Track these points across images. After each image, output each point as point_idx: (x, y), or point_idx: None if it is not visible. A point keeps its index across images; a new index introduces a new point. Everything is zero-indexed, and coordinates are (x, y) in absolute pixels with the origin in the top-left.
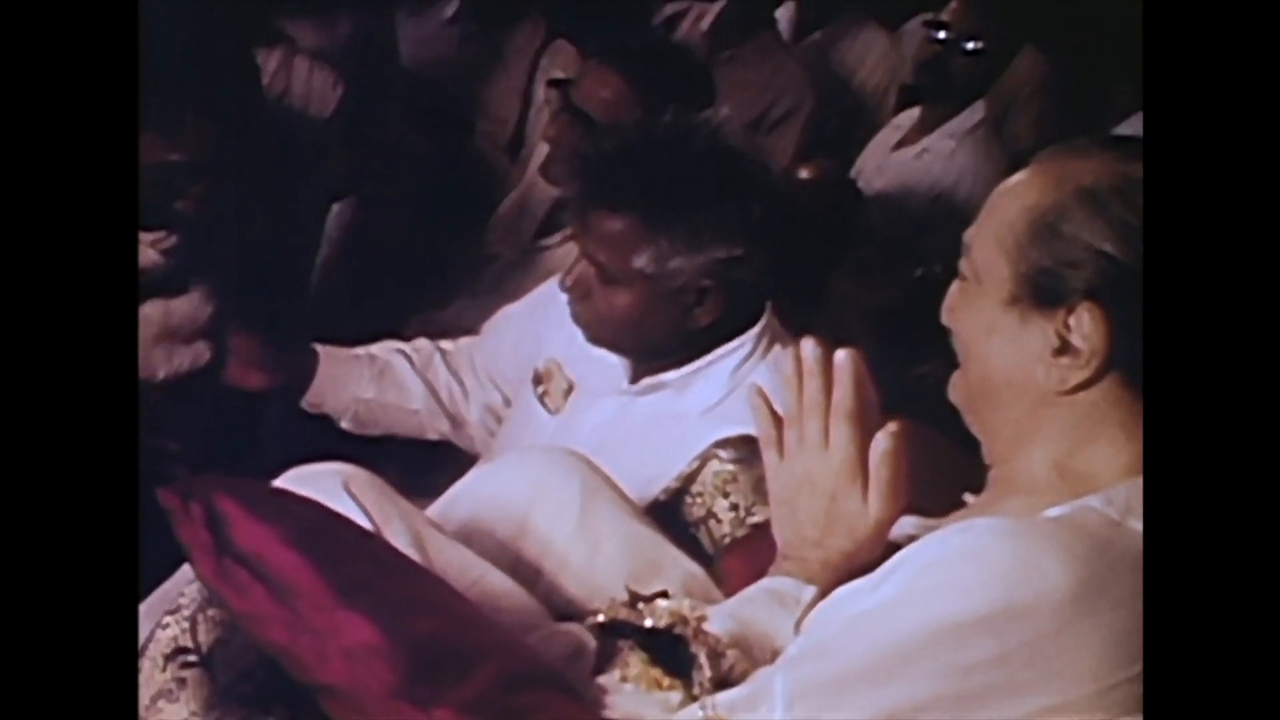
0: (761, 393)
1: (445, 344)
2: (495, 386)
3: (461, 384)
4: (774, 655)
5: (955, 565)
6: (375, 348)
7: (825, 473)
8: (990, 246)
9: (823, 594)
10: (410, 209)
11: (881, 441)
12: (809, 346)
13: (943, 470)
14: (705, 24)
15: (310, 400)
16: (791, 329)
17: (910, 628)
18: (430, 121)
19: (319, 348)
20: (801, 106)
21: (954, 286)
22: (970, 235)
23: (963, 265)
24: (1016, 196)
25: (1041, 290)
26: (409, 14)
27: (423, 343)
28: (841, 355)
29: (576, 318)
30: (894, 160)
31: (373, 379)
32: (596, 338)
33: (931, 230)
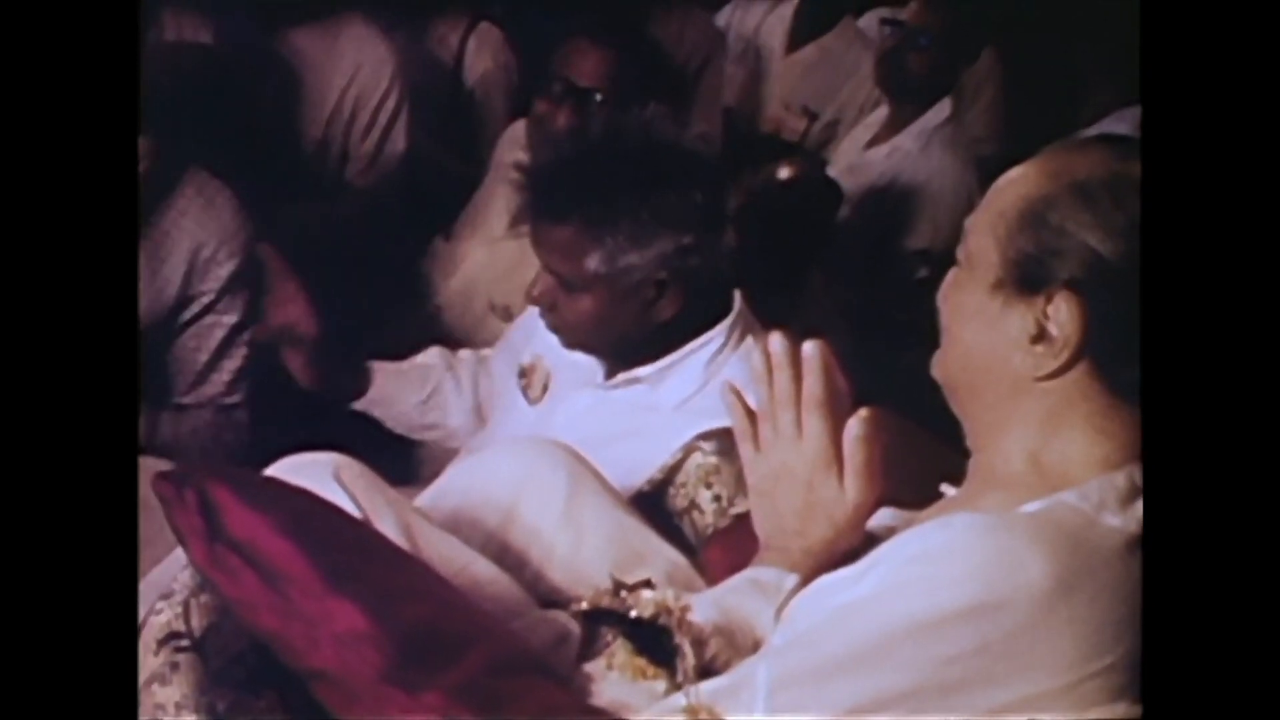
0: (734, 389)
1: (485, 351)
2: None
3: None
4: (755, 644)
5: (936, 560)
6: (427, 359)
7: (801, 462)
8: (984, 233)
9: (805, 582)
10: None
11: (854, 427)
12: (776, 340)
13: (921, 462)
14: None
15: (357, 408)
16: (769, 323)
17: (891, 620)
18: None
19: (374, 364)
20: (714, 58)
21: (951, 272)
22: (970, 222)
23: (960, 251)
24: (1015, 186)
25: (1025, 276)
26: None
27: (467, 354)
28: (809, 346)
29: (550, 326)
30: (867, 159)
31: (420, 402)
32: (571, 343)
33: (907, 227)
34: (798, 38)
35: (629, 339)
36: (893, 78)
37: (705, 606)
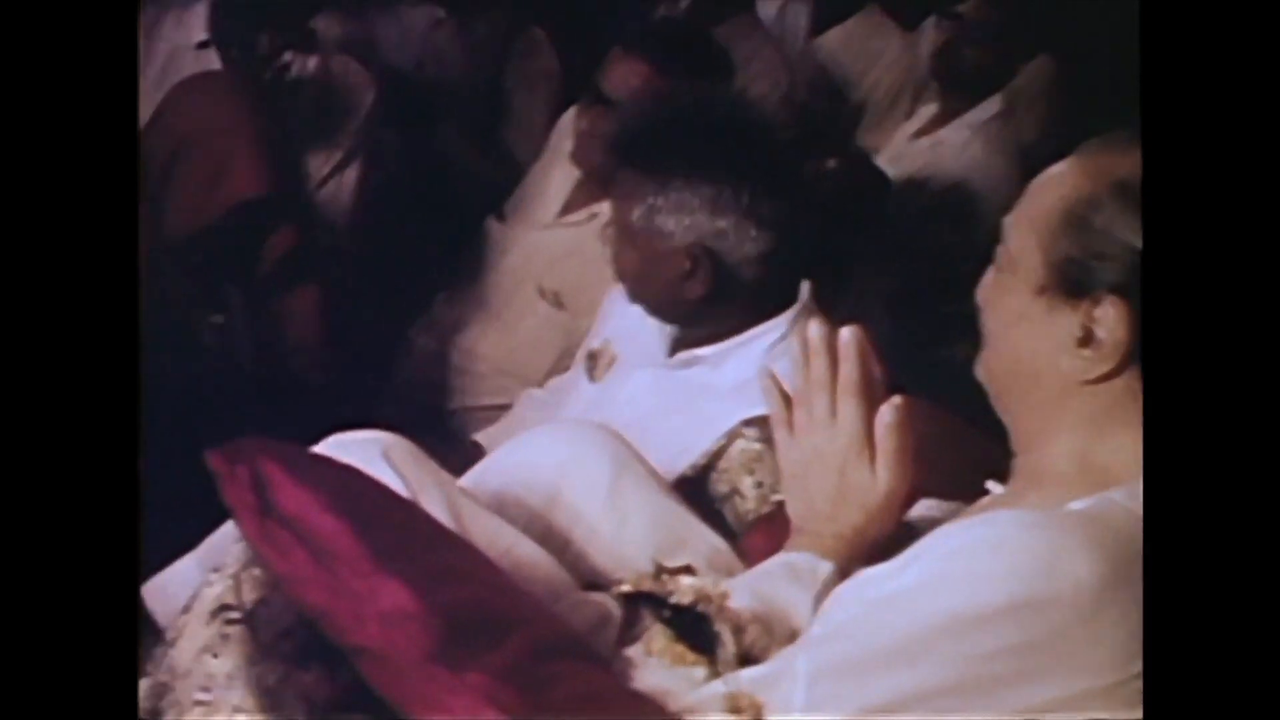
0: (772, 373)
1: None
2: None
3: None
4: (792, 632)
5: (979, 555)
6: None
7: (834, 447)
8: (1026, 234)
9: (840, 570)
10: (398, 204)
11: (886, 414)
12: (814, 325)
13: (963, 455)
14: (684, 4)
15: None
16: (825, 313)
17: (932, 614)
18: (403, 115)
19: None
20: (776, 90)
21: (989, 272)
22: (1008, 222)
23: (999, 250)
24: (1054, 185)
25: (1070, 280)
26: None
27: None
28: (845, 332)
29: (615, 273)
30: (911, 149)
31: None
32: (626, 291)
33: (947, 219)
34: (822, 21)
35: (670, 307)
36: (946, 70)
37: (742, 593)
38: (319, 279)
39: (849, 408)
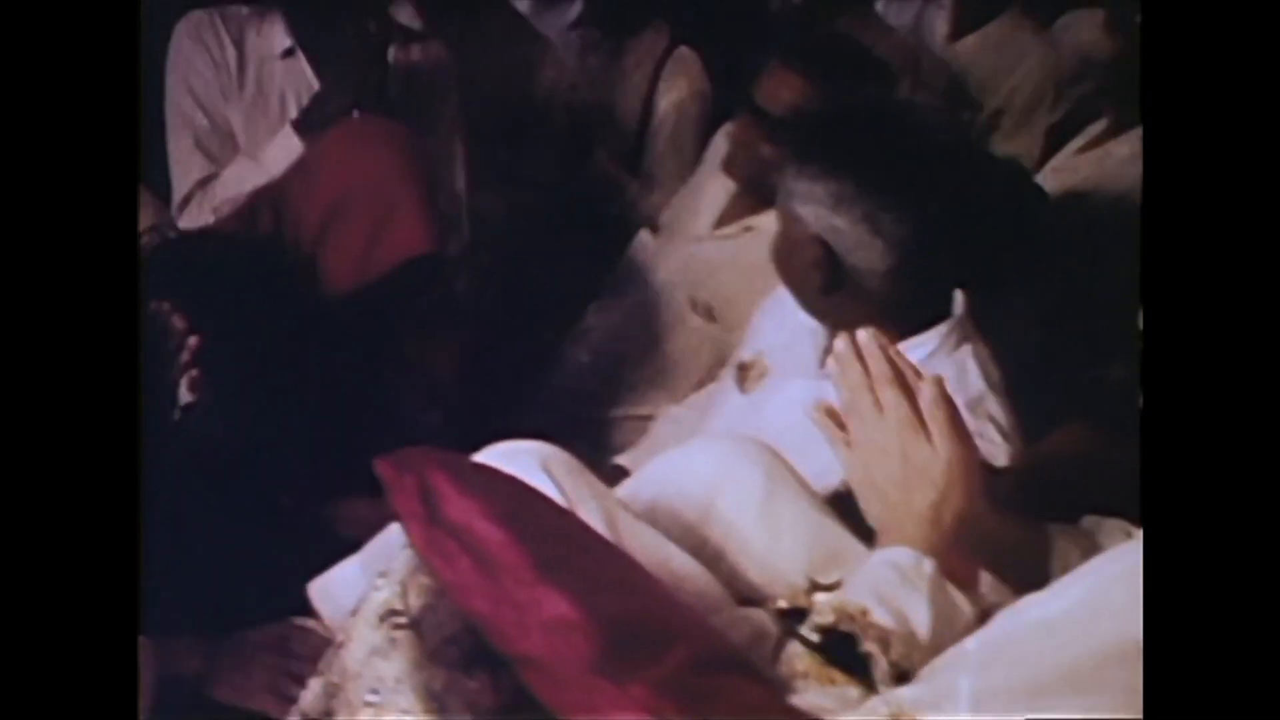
0: (819, 405)
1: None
2: None
3: None
4: (911, 634)
5: None
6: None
7: (889, 436)
8: None
9: (941, 564)
10: (541, 224)
11: (926, 390)
12: (841, 342)
13: (1124, 473)
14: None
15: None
16: (978, 326)
17: (1105, 640)
18: (552, 133)
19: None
20: (893, 90)
21: None
22: None
23: None
24: None
25: None
26: (530, 16)
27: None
28: (862, 334)
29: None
30: (1075, 162)
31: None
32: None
33: (1110, 234)
34: (961, 26)
35: (805, 295)
36: (1116, 84)
37: (874, 606)
38: (462, 319)
39: (890, 395)
